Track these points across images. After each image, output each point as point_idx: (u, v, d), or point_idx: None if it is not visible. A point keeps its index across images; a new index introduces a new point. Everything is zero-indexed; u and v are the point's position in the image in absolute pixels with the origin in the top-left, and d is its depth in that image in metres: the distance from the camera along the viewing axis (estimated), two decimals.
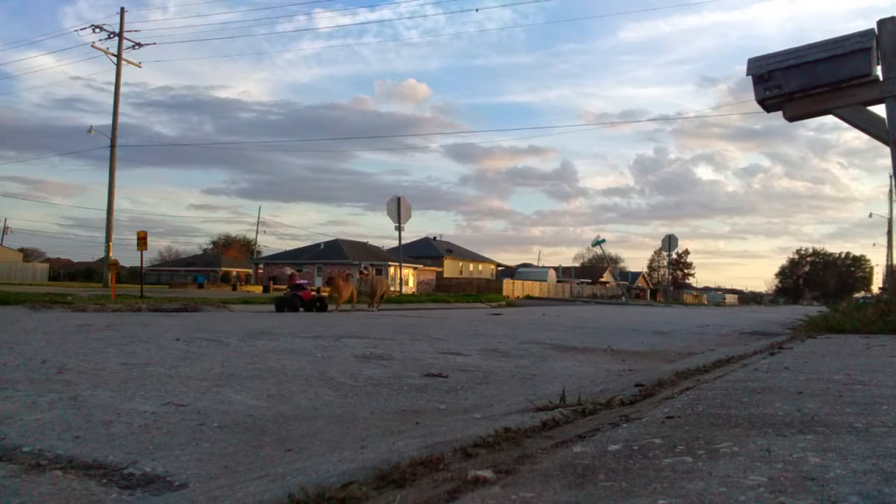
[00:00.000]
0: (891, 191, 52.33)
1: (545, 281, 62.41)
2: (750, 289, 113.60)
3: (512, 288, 51.85)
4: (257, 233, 76.01)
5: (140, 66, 31.13)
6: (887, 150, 7.49)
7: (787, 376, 2.66)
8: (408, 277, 50.40)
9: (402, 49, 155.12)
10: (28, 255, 65.92)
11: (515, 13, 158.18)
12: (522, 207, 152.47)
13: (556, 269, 72.01)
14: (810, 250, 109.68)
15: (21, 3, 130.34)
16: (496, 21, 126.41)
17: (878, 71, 7.55)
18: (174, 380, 3.36)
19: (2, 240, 67.82)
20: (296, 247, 62.47)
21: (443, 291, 44.89)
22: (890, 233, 54.01)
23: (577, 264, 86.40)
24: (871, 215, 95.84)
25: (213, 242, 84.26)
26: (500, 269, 70.04)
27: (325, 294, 15.08)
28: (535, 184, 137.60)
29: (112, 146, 29.59)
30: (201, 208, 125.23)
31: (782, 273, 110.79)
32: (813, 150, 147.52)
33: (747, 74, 8.21)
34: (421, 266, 55.29)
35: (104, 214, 29.80)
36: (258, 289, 41.72)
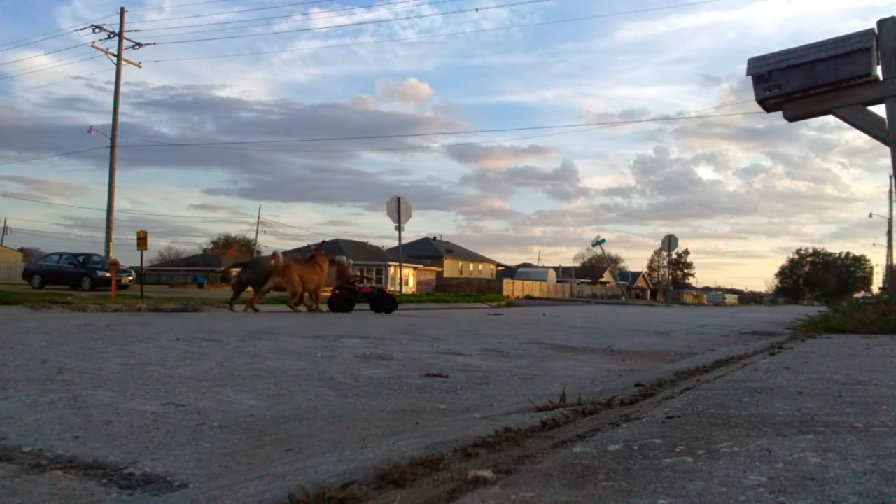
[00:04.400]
0: (891, 191, 52.38)
1: (545, 281, 62.45)
2: (750, 289, 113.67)
3: (512, 288, 51.86)
4: (257, 233, 76.12)
5: (140, 66, 31.21)
6: (889, 149, 7.49)
7: (787, 376, 2.66)
8: (408, 277, 50.39)
9: (399, 49, 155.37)
10: (28, 255, 65.85)
11: (512, 13, 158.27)
12: (523, 207, 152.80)
13: (556, 269, 72.02)
14: (810, 250, 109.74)
15: (18, 3, 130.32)
16: (493, 21, 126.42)
17: (878, 71, 7.56)
18: (174, 380, 3.36)
19: (2, 240, 67.82)
20: (296, 247, 62.54)
21: (443, 291, 44.88)
22: (890, 233, 54.04)
23: (577, 264, 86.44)
24: (871, 215, 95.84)
25: (213, 242, 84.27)
26: (500, 269, 70.05)
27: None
28: (536, 184, 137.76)
29: (112, 146, 29.61)
30: (201, 208, 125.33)
31: (782, 273, 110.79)
32: (814, 149, 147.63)
33: (747, 74, 8.22)
34: (421, 266, 55.28)
35: (104, 214, 29.86)
36: None
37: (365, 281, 14.99)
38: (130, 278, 26.36)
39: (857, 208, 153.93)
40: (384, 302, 13.33)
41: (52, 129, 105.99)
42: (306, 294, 12.89)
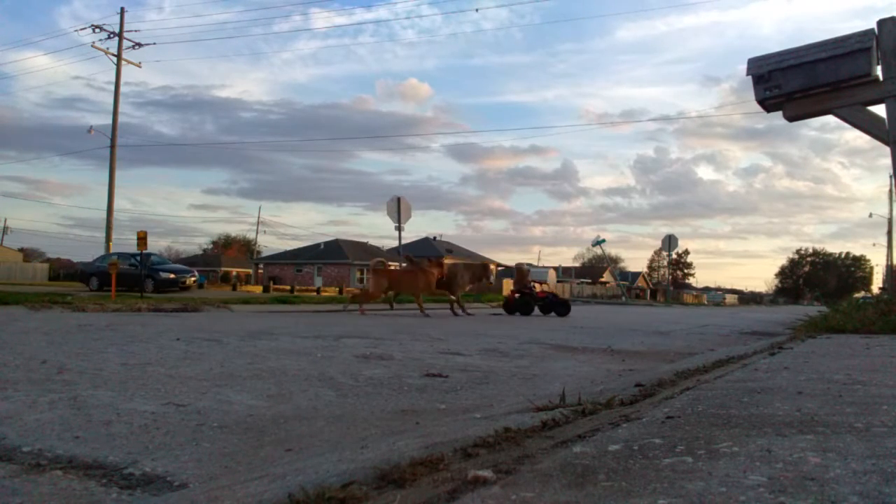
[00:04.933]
0: (891, 191, 52.38)
1: (545, 281, 62.39)
2: (750, 289, 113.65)
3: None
4: (257, 233, 76.09)
5: (140, 66, 31.12)
6: (889, 149, 7.49)
7: (787, 376, 2.66)
8: None
9: (399, 49, 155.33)
10: (28, 255, 65.92)
11: (512, 13, 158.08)
12: (523, 207, 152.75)
13: (556, 269, 72.00)
14: (810, 250, 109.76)
15: (18, 3, 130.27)
16: (493, 21, 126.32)
17: (878, 71, 7.56)
18: (174, 380, 3.36)
19: (2, 240, 67.82)
20: (296, 247, 62.57)
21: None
22: (890, 233, 54.02)
23: (577, 264, 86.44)
24: (871, 215, 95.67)
25: (213, 242, 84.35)
26: (500, 269, 70.03)
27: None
28: (536, 184, 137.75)
29: (112, 146, 29.58)
30: (201, 208, 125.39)
31: (782, 273, 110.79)
32: (814, 149, 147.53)
33: (747, 74, 8.22)
34: None
35: (104, 214, 29.81)
36: (258, 289, 41.66)
37: (535, 286, 15.85)
38: (194, 279, 24.75)
39: (858, 208, 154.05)
40: (558, 305, 14.16)
41: (52, 129, 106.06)
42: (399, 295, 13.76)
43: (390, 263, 14.26)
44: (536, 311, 14.27)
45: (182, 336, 5.73)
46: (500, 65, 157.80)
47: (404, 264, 15.08)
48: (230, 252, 76.67)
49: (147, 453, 1.99)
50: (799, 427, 1.59)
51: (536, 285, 15.22)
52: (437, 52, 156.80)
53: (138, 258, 24.44)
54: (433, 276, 13.47)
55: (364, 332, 7.08)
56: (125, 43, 30.04)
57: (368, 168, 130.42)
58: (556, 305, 14.05)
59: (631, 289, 68.08)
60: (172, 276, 23.28)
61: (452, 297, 13.89)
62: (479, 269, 14.73)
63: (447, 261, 13.86)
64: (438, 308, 16.08)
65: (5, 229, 69.32)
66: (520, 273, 14.93)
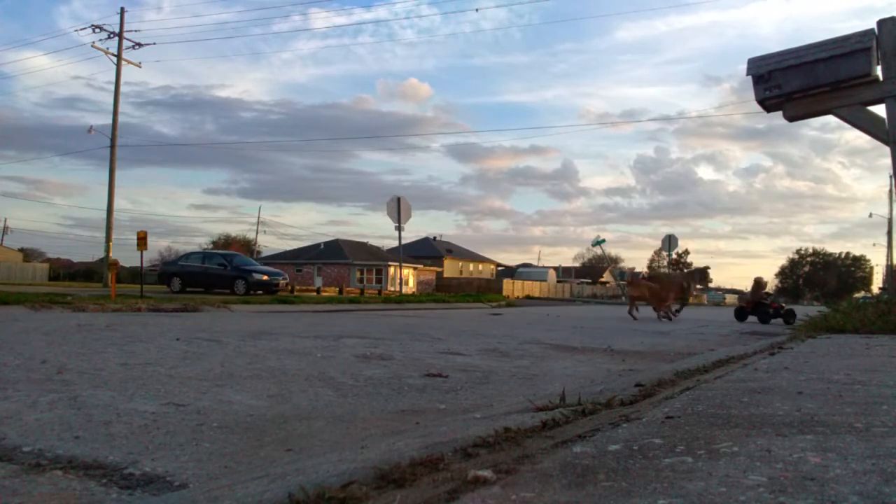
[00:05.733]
0: (891, 191, 52.42)
1: (545, 281, 62.48)
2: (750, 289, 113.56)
3: (512, 288, 51.87)
4: (257, 233, 76.15)
5: (140, 66, 31.14)
6: (889, 149, 7.49)
7: (787, 376, 2.66)
8: (408, 277, 50.39)
9: (398, 49, 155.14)
10: (28, 255, 65.93)
11: (511, 13, 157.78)
12: (523, 207, 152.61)
13: (556, 269, 72.07)
14: (810, 250, 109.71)
15: (17, 3, 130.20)
16: (492, 21, 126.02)
17: (878, 71, 7.56)
18: (174, 380, 3.36)
19: (2, 240, 67.85)
20: (296, 247, 62.60)
21: (443, 291, 44.90)
22: (890, 233, 54.07)
23: (577, 264, 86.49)
24: (871, 215, 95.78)
25: (213, 242, 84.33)
26: (500, 269, 70.06)
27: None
28: (537, 183, 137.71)
29: (112, 146, 29.58)
30: (201, 208, 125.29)
31: (782, 273, 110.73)
32: (815, 149, 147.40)
33: (747, 74, 8.22)
34: (421, 266, 55.28)
35: (104, 214, 29.77)
36: None
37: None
38: (285, 281, 23.54)
39: (858, 208, 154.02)
40: (787, 314, 15.69)
41: (52, 129, 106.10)
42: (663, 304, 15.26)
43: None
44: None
45: (182, 336, 5.73)
46: (499, 65, 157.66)
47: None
48: None
49: (147, 453, 1.99)
50: (799, 427, 1.59)
51: (766, 298, 16.95)
52: (436, 52, 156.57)
53: (227, 258, 22.81)
54: (674, 289, 15.29)
55: (364, 332, 7.08)
56: (125, 43, 30.06)
57: (368, 168, 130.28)
58: (784, 314, 15.67)
59: None
60: (265, 277, 22.19)
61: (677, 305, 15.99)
62: (697, 274, 17.66)
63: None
64: (438, 308, 16.08)
65: (5, 229, 69.40)
66: (757, 285, 16.72)
